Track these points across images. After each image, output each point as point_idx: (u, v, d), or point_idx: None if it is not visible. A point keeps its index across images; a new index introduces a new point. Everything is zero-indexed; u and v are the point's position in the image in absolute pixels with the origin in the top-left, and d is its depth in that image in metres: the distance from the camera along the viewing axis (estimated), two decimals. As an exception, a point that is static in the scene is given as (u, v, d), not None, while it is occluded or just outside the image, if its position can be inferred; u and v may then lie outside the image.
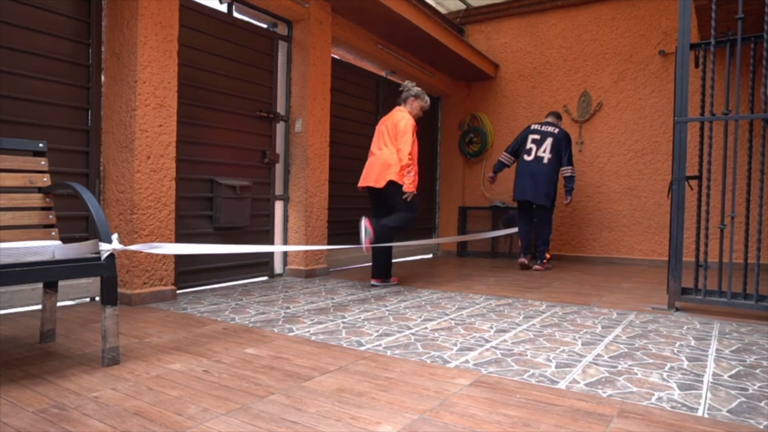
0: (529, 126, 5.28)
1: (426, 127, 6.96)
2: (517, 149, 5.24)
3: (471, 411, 1.52)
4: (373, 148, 3.96)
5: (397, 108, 4.04)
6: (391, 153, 3.80)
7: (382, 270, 3.96)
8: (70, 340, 2.25)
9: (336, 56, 5.15)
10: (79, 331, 2.41)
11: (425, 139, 6.93)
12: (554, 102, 6.42)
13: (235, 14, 4.04)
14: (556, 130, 5.11)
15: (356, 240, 5.42)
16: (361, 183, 3.92)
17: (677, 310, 3.14)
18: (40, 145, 2.24)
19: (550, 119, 5.28)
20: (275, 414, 1.48)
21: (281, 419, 1.44)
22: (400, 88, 4.12)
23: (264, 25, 4.32)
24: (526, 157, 5.10)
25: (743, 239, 3.54)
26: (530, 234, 5.23)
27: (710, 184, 3.09)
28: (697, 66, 3.33)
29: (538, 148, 5.08)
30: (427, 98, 4.15)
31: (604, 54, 6.14)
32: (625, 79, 6.01)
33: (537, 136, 5.15)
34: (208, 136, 3.76)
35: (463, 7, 6.82)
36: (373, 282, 3.96)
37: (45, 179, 2.22)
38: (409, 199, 3.77)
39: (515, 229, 5.67)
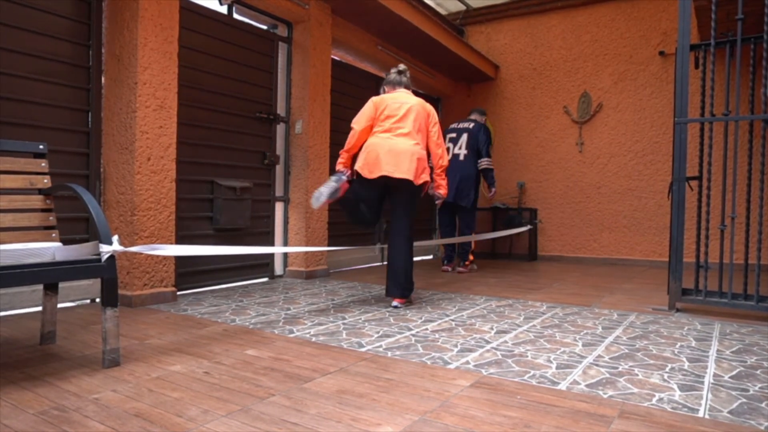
0: (448, 126, 5.15)
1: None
2: None
3: (471, 412, 1.52)
4: (391, 131, 3.16)
5: (404, 90, 3.38)
6: (419, 148, 3.17)
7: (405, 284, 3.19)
8: (70, 342, 2.25)
9: (336, 57, 5.15)
10: (79, 333, 2.41)
11: (425, 140, 6.92)
12: (554, 103, 6.42)
13: (235, 16, 4.04)
14: (472, 125, 4.96)
15: (356, 241, 5.44)
16: (386, 172, 3.05)
17: (678, 310, 3.14)
18: (41, 146, 2.24)
19: (472, 116, 5.17)
20: (276, 415, 1.48)
21: (282, 421, 1.44)
22: (399, 69, 3.43)
23: (264, 27, 4.32)
24: None
25: (744, 240, 3.55)
26: (453, 235, 5.09)
27: (710, 184, 3.09)
28: (697, 67, 3.33)
29: (454, 146, 4.91)
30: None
31: (604, 55, 6.14)
32: (625, 79, 6.02)
33: (453, 134, 4.98)
34: (209, 137, 3.76)
35: (463, 8, 6.82)
36: (396, 304, 3.16)
37: (45, 181, 2.22)
38: (439, 205, 3.74)
39: (515, 230, 5.67)
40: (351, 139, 3.30)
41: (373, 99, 3.33)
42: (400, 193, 3.18)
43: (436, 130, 3.31)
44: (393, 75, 3.44)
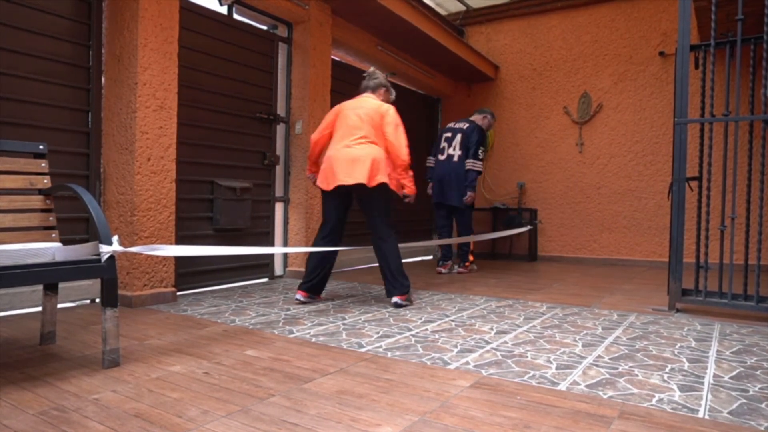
0: (446, 125, 5.17)
1: (426, 129, 6.97)
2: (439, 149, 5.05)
3: (471, 413, 1.52)
4: (344, 139, 3.17)
5: (368, 95, 3.38)
6: (378, 149, 3.14)
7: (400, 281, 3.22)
8: (70, 342, 2.25)
9: (336, 58, 5.16)
10: (79, 333, 2.41)
11: (425, 141, 6.93)
12: (554, 103, 6.43)
13: (235, 16, 4.04)
14: (466, 125, 4.92)
15: (357, 242, 5.44)
16: (341, 182, 3.08)
17: (678, 311, 3.13)
18: (41, 147, 2.24)
19: (473, 116, 5.14)
20: (275, 416, 1.48)
21: (281, 421, 1.44)
22: (365, 74, 3.46)
23: (264, 27, 4.32)
24: (440, 157, 4.94)
25: (744, 240, 3.55)
26: (450, 236, 5.05)
27: (710, 185, 3.09)
28: (697, 67, 3.33)
29: (449, 146, 4.90)
30: (393, 91, 3.60)
31: (604, 55, 6.14)
32: (625, 80, 6.02)
33: (449, 134, 4.97)
34: (209, 137, 3.77)
35: (463, 8, 6.83)
36: (399, 301, 3.18)
37: (45, 181, 2.22)
38: (410, 202, 3.44)
39: (515, 230, 5.66)
40: (311, 146, 3.44)
41: (335, 107, 3.39)
42: (362, 200, 3.22)
43: (391, 129, 3.18)
44: (364, 79, 3.49)
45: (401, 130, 3.23)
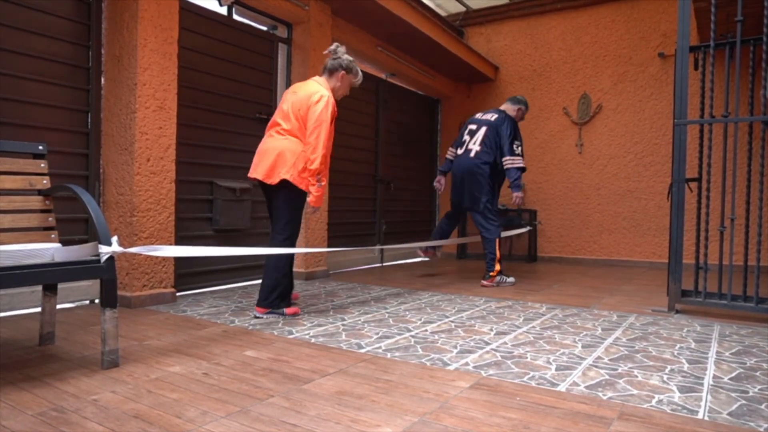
0: (473, 115, 4.54)
1: (426, 129, 6.97)
2: (461, 141, 4.44)
3: (471, 413, 1.52)
4: (272, 126, 2.89)
5: (318, 78, 2.98)
6: (295, 143, 2.78)
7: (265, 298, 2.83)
8: (69, 343, 2.25)
9: (336, 58, 5.15)
10: (78, 334, 2.41)
11: (425, 141, 6.94)
12: (554, 104, 6.43)
13: (235, 17, 4.04)
14: (495, 116, 4.26)
15: (356, 242, 5.44)
16: (251, 173, 2.88)
17: (677, 312, 3.13)
18: (40, 147, 2.24)
19: (504, 105, 4.46)
20: (275, 417, 1.48)
21: (281, 422, 1.44)
22: (327, 51, 3.02)
23: (264, 28, 4.32)
24: (459, 151, 4.36)
25: (743, 241, 3.54)
26: (446, 234, 4.53)
27: (710, 186, 3.09)
28: (696, 68, 3.34)
29: (470, 140, 4.29)
30: (360, 74, 3.07)
31: (604, 56, 6.14)
32: (625, 81, 6.02)
33: (473, 126, 4.34)
34: (208, 138, 3.76)
35: (463, 9, 6.83)
36: (256, 313, 2.84)
37: (45, 182, 2.22)
38: (313, 214, 2.92)
39: (515, 231, 5.66)
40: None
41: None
42: (268, 197, 2.94)
43: (311, 125, 2.74)
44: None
45: (324, 128, 2.75)
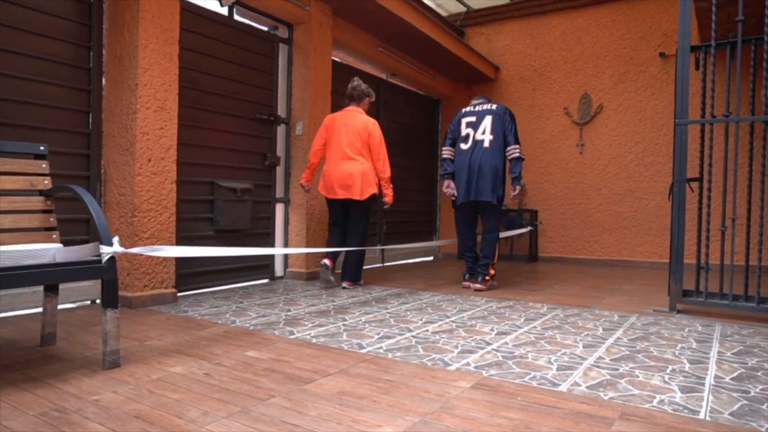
0: (460, 111, 4.23)
1: (427, 129, 6.97)
2: (454, 139, 4.16)
3: (472, 414, 1.52)
4: (340, 155, 3.79)
5: (355, 109, 3.95)
6: (366, 165, 3.81)
7: (353, 273, 3.97)
8: (70, 343, 2.25)
9: (336, 59, 5.16)
10: (79, 334, 2.41)
11: (425, 141, 6.93)
12: (555, 104, 6.43)
13: (236, 17, 4.04)
14: (495, 106, 4.07)
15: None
16: (339, 195, 3.77)
17: (678, 312, 3.13)
18: (41, 148, 2.24)
19: (485, 103, 4.20)
20: (276, 417, 1.48)
21: (282, 422, 1.44)
22: (352, 86, 3.99)
23: (265, 28, 4.32)
24: (463, 146, 4.04)
25: (744, 241, 3.54)
26: (476, 246, 4.18)
27: (711, 186, 3.09)
28: (697, 68, 3.33)
29: (475, 131, 4.01)
30: (373, 94, 4.15)
31: (605, 56, 6.14)
32: (626, 81, 6.02)
33: (472, 118, 4.06)
34: (209, 138, 3.77)
35: (464, 9, 6.83)
36: (344, 285, 3.91)
37: (46, 182, 2.22)
38: (388, 208, 4.09)
39: (516, 231, 5.66)
40: (310, 159, 3.99)
41: (326, 119, 3.98)
42: (352, 208, 3.87)
43: (377, 149, 3.86)
44: (348, 90, 4.02)
45: (384, 147, 3.90)
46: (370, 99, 4.08)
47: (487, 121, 4.00)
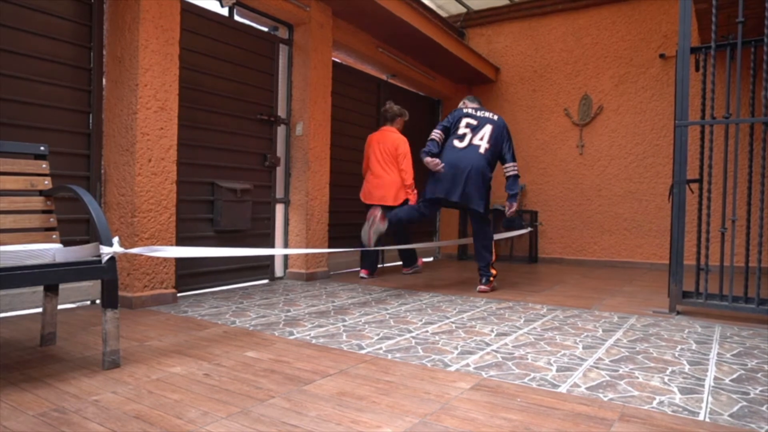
0: (461, 108, 4.14)
1: (427, 130, 6.96)
2: (448, 130, 4.08)
3: (472, 415, 1.52)
4: (375, 168, 4.63)
5: (388, 129, 4.71)
6: (395, 175, 4.60)
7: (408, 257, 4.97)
8: (70, 344, 2.25)
9: (337, 59, 5.16)
10: (79, 335, 2.41)
11: (425, 142, 6.92)
12: (555, 105, 6.43)
13: (236, 18, 4.05)
14: (496, 117, 4.05)
15: (357, 243, 5.43)
16: (377, 201, 4.53)
17: (678, 313, 3.13)
18: (42, 148, 2.24)
19: (476, 104, 4.20)
20: (276, 417, 1.48)
21: (282, 423, 1.44)
22: (384, 109, 4.77)
23: (265, 29, 4.33)
24: (458, 144, 3.94)
25: (744, 243, 3.54)
26: (405, 228, 4.51)
27: (711, 187, 3.09)
28: (697, 69, 3.34)
29: (474, 135, 3.94)
30: (406, 113, 4.88)
31: (605, 57, 6.15)
32: (626, 82, 6.02)
33: (473, 121, 4.00)
34: (209, 139, 3.77)
35: (464, 10, 6.84)
36: (404, 271, 4.95)
37: (46, 182, 2.22)
38: None
39: (516, 232, 5.65)
40: (363, 171, 4.82)
41: (369, 138, 4.79)
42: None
43: (402, 162, 4.60)
44: (382, 112, 4.80)
45: (408, 159, 4.62)
46: (403, 118, 4.80)
47: (487, 129, 3.97)
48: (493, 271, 4.00)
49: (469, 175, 3.82)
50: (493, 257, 4.04)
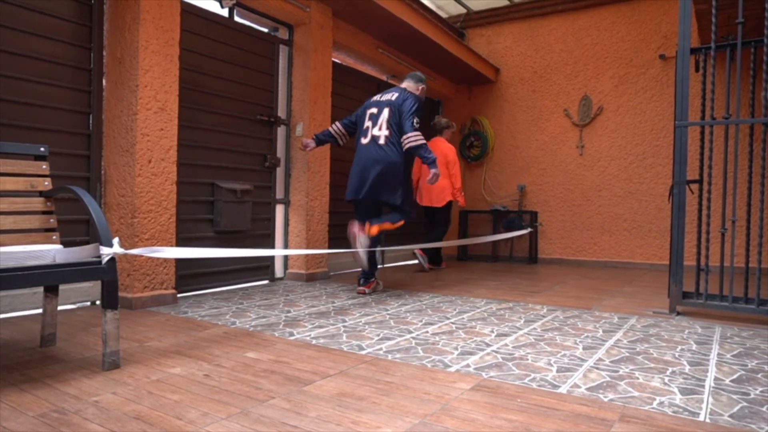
0: (369, 98, 3.88)
1: (426, 130, 6.96)
2: (354, 124, 3.86)
3: (472, 415, 1.52)
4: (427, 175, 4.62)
5: (438, 139, 5.39)
6: (445, 180, 5.15)
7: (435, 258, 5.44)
8: (70, 344, 2.25)
9: (337, 60, 5.16)
10: (79, 335, 2.41)
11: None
12: (555, 106, 6.43)
13: (237, 18, 4.05)
14: (395, 95, 3.70)
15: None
16: (425, 203, 5.27)
17: (678, 314, 3.13)
18: (42, 149, 2.25)
19: (404, 83, 3.86)
20: (276, 418, 1.48)
21: (282, 423, 1.44)
22: (433, 123, 5.50)
23: (265, 30, 4.33)
24: (363, 141, 3.70)
25: (744, 243, 3.54)
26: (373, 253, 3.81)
27: (711, 188, 3.09)
28: (697, 70, 3.34)
29: (373, 126, 3.66)
30: (453, 124, 5.56)
31: (605, 58, 6.15)
32: (626, 83, 6.02)
33: (374, 110, 3.71)
34: (209, 139, 3.77)
35: (464, 11, 6.84)
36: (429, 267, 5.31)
37: (46, 183, 2.22)
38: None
39: (516, 233, 5.65)
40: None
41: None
42: (436, 213, 5.41)
43: (452, 169, 5.26)
44: (432, 125, 5.54)
45: (456, 166, 5.27)
46: (450, 129, 5.48)
47: (385, 114, 3.65)
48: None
49: (373, 171, 3.58)
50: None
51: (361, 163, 3.67)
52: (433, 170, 3.59)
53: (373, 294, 3.74)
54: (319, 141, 3.90)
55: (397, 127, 3.61)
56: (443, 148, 5.22)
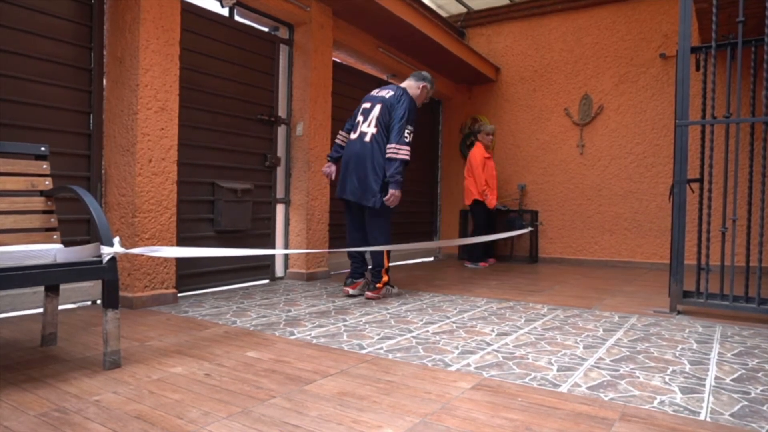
0: (369, 93, 3.76)
1: (427, 130, 6.97)
2: (352, 125, 3.70)
3: (472, 414, 1.52)
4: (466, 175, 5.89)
5: (477, 143, 5.94)
6: (469, 180, 5.80)
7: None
8: (71, 344, 2.25)
9: (337, 60, 5.16)
10: (80, 335, 2.41)
11: (426, 142, 6.93)
12: (555, 105, 6.43)
13: (237, 18, 4.05)
14: (390, 93, 3.54)
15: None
16: (467, 201, 5.88)
17: (679, 313, 3.13)
18: (42, 148, 2.25)
19: (405, 82, 3.70)
20: (276, 417, 1.48)
21: (282, 423, 1.44)
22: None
23: (265, 29, 4.33)
24: (352, 135, 3.58)
25: (745, 242, 3.54)
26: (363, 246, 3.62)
27: (711, 187, 3.09)
28: (698, 69, 3.34)
29: (364, 122, 3.53)
30: (483, 128, 6.01)
31: (605, 57, 6.14)
32: (626, 82, 6.02)
33: (367, 105, 3.58)
34: (210, 139, 3.77)
35: (464, 10, 6.83)
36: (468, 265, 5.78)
37: (47, 182, 2.23)
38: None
39: (516, 232, 5.65)
40: None
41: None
42: (470, 211, 6.11)
43: (475, 169, 5.76)
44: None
45: (479, 168, 5.65)
46: (482, 133, 5.93)
47: (376, 111, 3.48)
48: (385, 277, 3.52)
49: (354, 168, 3.45)
50: (386, 264, 3.54)
51: (345, 159, 3.57)
52: (391, 190, 3.36)
53: (382, 298, 3.54)
54: (335, 159, 3.75)
55: (385, 126, 3.45)
56: (471, 152, 5.86)
